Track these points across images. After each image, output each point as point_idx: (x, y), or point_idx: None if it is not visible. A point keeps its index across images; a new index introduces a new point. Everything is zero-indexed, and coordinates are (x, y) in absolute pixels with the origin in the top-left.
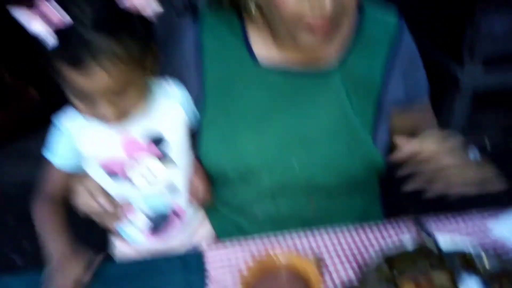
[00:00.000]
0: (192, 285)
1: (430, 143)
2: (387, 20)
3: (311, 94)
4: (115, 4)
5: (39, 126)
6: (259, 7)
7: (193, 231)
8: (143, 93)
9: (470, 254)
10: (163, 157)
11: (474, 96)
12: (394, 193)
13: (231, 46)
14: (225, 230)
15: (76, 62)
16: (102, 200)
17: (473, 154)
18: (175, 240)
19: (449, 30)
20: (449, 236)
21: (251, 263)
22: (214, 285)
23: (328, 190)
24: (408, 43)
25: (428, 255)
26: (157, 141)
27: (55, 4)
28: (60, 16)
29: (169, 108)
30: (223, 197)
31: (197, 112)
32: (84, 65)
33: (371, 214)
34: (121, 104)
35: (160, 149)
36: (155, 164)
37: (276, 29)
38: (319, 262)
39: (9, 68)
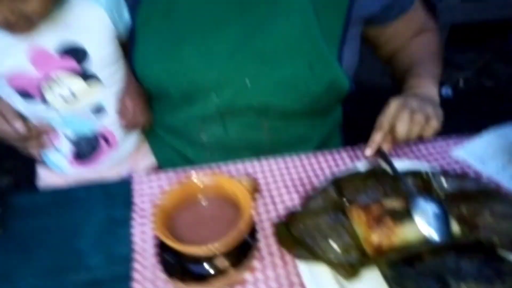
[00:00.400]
0: (115, 219)
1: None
2: None
3: (268, 1)
4: None
5: None
6: None
7: (130, 159)
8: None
9: (427, 174)
10: (84, 73)
11: (451, 30)
12: (356, 123)
13: None
14: (168, 159)
15: None
16: (18, 124)
17: (446, 90)
18: (107, 169)
19: None
20: (409, 161)
21: (168, 188)
22: (141, 220)
23: (284, 114)
24: None
25: (381, 178)
26: (75, 54)
27: None
28: None
29: (91, 14)
30: (164, 120)
31: (128, 17)
32: None
33: (330, 144)
34: (21, 9)
35: (79, 64)
36: (74, 81)
37: None
38: (255, 185)
39: None
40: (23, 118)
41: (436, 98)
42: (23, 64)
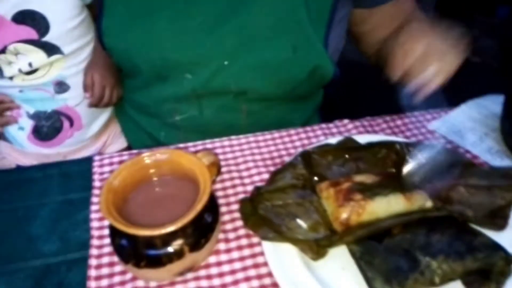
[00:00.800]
0: (72, 202)
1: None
2: None
3: None
4: None
5: None
6: None
7: (98, 141)
8: None
9: (401, 146)
10: (44, 45)
11: (437, 6)
12: (335, 108)
13: None
14: (140, 142)
15: None
16: None
17: None
18: (73, 151)
19: None
20: (385, 136)
21: (118, 168)
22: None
23: (264, 97)
24: None
25: (353, 151)
26: (35, 23)
27: None
28: None
29: None
30: (136, 99)
31: None
32: None
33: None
34: None
35: (38, 33)
36: (34, 53)
37: None
38: (214, 161)
39: None
40: None
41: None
42: None
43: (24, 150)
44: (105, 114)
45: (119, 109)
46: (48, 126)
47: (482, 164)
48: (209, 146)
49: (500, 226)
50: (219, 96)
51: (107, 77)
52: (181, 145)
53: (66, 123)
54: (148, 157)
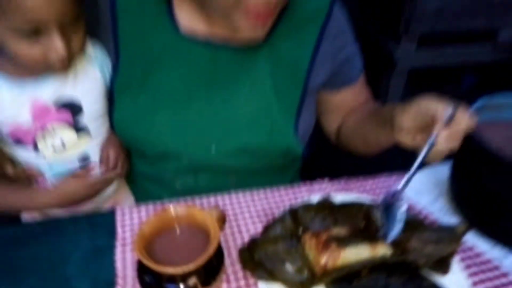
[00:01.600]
0: (99, 248)
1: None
2: None
3: (233, 72)
4: None
5: None
6: None
7: (110, 201)
8: (85, 39)
9: (368, 206)
10: (76, 125)
11: (409, 76)
12: (314, 171)
13: (149, 7)
14: (144, 199)
15: None
16: (9, 169)
17: None
18: (90, 207)
19: (385, 10)
20: (356, 195)
21: (150, 217)
22: (123, 248)
23: (246, 171)
24: (339, 19)
25: (331, 208)
26: (71, 108)
27: None
28: None
29: (87, 71)
30: (141, 169)
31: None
32: None
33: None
34: (74, 40)
35: (73, 117)
36: (67, 133)
37: (207, 3)
38: (222, 216)
39: None
40: (13, 161)
41: None
42: (23, 115)
43: (46, 211)
44: (116, 181)
45: (129, 176)
46: None
47: (434, 221)
48: (211, 200)
49: (444, 271)
50: (210, 170)
51: (119, 152)
52: (189, 198)
53: None
54: (171, 211)
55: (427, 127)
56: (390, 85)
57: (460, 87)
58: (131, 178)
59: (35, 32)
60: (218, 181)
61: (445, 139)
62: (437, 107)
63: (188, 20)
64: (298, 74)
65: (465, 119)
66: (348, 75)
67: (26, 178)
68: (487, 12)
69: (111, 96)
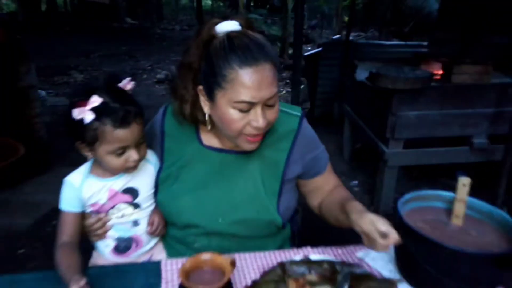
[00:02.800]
0: (151, 284)
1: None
2: (291, 117)
3: (235, 170)
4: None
5: (22, 179)
6: (211, 119)
7: (149, 253)
8: (146, 150)
9: (333, 263)
10: (134, 204)
11: (405, 170)
12: (304, 238)
13: (186, 133)
14: (173, 255)
15: (125, 122)
16: (86, 221)
17: None
18: (134, 259)
19: (378, 120)
20: (329, 257)
21: (188, 259)
22: (167, 284)
23: (244, 237)
24: (305, 133)
25: (308, 263)
26: (132, 193)
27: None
28: (100, 99)
29: (145, 168)
30: (172, 234)
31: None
32: (129, 123)
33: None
34: (141, 152)
35: (132, 198)
36: (126, 208)
37: (222, 133)
38: (233, 261)
39: (0, 126)
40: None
41: None
42: (103, 198)
43: (105, 257)
44: (154, 240)
45: (164, 237)
46: (123, 246)
47: (384, 277)
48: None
49: None
50: (219, 235)
51: (162, 219)
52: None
53: (134, 244)
54: (203, 256)
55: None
56: (384, 178)
57: (454, 181)
58: (166, 239)
59: (121, 149)
60: (224, 244)
61: (379, 246)
62: (377, 225)
63: (208, 138)
64: (277, 171)
65: (394, 236)
66: (317, 169)
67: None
68: (461, 122)
69: (157, 185)
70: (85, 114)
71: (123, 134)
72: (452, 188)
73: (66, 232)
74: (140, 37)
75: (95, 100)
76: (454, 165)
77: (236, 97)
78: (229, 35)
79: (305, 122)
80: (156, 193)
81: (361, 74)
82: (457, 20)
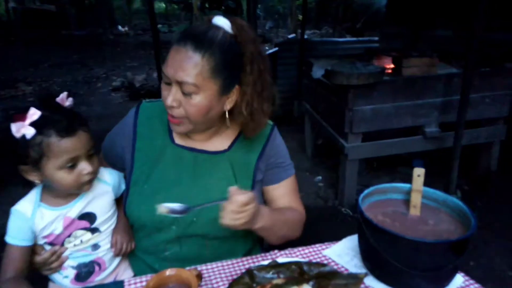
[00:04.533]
0: None
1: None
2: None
3: (208, 169)
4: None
5: None
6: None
7: (113, 274)
8: (98, 164)
9: (301, 263)
10: (91, 229)
11: (367, 162)
12: None
13: (158, 132)
14: (141, 271)
15: (70, 130)
16: (37, 258)
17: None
18: (98, 282)
19: (336, 116)
20: (295, 258)
21: (153, 277)
22: None
23: (218, 236)
24: (275, 141)
25: (277, 267)
26: (89, 218)
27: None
28: (38, 112)
29: (101, 190)
30: (141, 243)
31: (124, 186)
32: (75, 130)
33: (254, 253)
34: (94, 164)
35: (90, 223)
36: (84, 234)
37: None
38: (199, 273)
39: None
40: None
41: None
42: (58, 228)
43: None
44: (117, 259)
45: (131, 254)
46: (85, 272)
47: (350, 273)
48: (192, 267)
49: None
50: (192, 238)
51: (125, 236)
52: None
53: (97, 267)
54: (168, 272)
55: None
56: (346, 172)
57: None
58: (133, 253)
59: (71, 161)
60: (197, 247)
61: (226, 213)
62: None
63: (180, 137)
64: (248, 171)
65: (236, 198)
66: (276, 176)
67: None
68: (413, 113)
69: (128, 187)
70: (25, 129)
71: (71, 143)
72: (411, 176)
73: (13, 267)
74: (92, 44)
75: (34, 113)
76: (411, 154)
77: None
78: None
79: (276, 132)
80: (126, 196)
81: (317, 72)
82: (404, 15)
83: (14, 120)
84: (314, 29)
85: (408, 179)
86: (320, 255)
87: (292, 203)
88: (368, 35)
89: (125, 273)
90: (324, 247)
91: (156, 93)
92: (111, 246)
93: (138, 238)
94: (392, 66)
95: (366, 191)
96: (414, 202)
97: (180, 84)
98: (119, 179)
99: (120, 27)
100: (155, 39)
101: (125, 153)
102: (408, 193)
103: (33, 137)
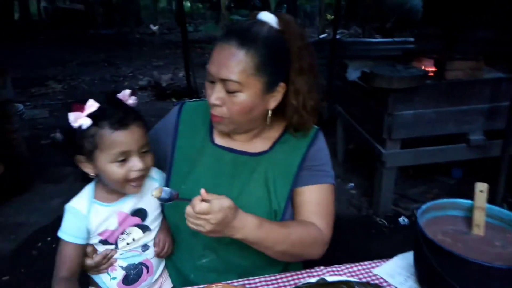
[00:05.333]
0: None
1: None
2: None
3: (247, 171)
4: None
5: (2, 199)
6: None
7: (157, 283)
8: (152, 161)
9: (352, 283)
10: (142, 226)
11: (402, 169)
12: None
13: (199, 131)
14: (178, 282)
15: (123, 124)
16: (88, 261)
17: (403, 219)
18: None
19: (373, 120)
20: (345, 277)
21: None
22: None
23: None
24: (319, 145)
25: (324, 285)
26: (141, 214)
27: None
28: (96, 104)
29: (151, 187)
30: (177, 249)
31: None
32: (127, 124)
33: (293, 267)
34: (146, 161)
35: (141, 220)
36: (137, 231)
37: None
38: None
39: None
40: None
41: (238, 233)
42: (114, 225)
43: None
44: (162, 265)
45: (169, 262)
46: (134, 274)
47: None
48: (235, 284)
49: None
50: (229, 245)
51: (167, 237)
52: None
53: (144, 270)
54: (214, 285)
55: None
56: (382, 180)
57: (451, 178)
58: (170, 261)
59: (123, 156)
60: (233, 257)
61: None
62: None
63: (220, 138)
64: (289, 174)
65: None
66: (309, 179)
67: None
68: (457, 119)
69: (166, 186)
70: (82, 120)
71: (123, 136)
72: (449, 186)
73: (67, 267)
74: (119, 43)
75: (92, 105)
76: (449, 162)
77: None
78: None
79: (321, 136)
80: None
81: (352, 73)
82: (443, 15)
83: (73, 110)
84: (343, 28)
85: (447, 188)
86: (370, 274)
87: (316, 216)
88: (398, 35)
89: (166, 283)
90: (373, 265)
91: (182, 93)
92: (154, 246)
93: (175, 243)
94: (433, 69)
95: (424, 207)
96: (477, 221)
97: (223, 82)
98: (163, 177)
99: (152, 26)
100: (183, 38)
101: (166, 151)
102: (469, 210)
103: (89, 128)
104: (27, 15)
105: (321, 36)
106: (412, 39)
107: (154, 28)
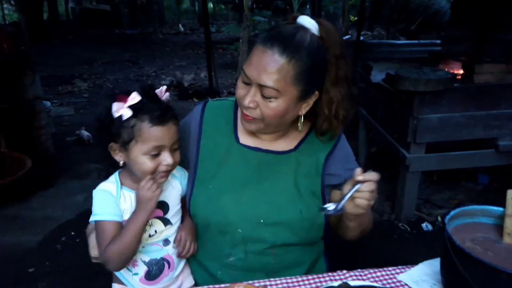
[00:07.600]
0: None
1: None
2: None
3: (274, 170)
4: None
5: (29, 193)
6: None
7: (178, 280)
8: (180, 157)
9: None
10: (164, 219)
11: (427, 174)
12: (335, 253)
13: (223, 131)
14: (202, 278)
15: (162, 120)
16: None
17: (426, 225)
18: (165, 285)
19: (398, 123)
20: (368, 283)
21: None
22: None
23: (285, 243)
24: (343, 147)
25: None
26: (162, 206)
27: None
28: (139, 97)
29: (172, 182)
30: (204, 247)
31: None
32: (166, 121)
33: (317, 267)
34: (175, 157)
35: (163, 212)
36: (159, 224)
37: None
38: None
39: (6, 139)
40: None
41: None
42: None
43: None
44: (183, 261)
45: (194, 260)
46: (156, 269)
47: None
48: (257, 284)
49: None
50: (257, 244)
51: (190, 234)
52: (244, 282)
53: (166, 265)
54: (236, 285)
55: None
56: (405, 184)
57: (477, 184)
58: (195, 258)
59: (156, 150)
60: (262, 255)
61: (361, 194)
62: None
63: (244, 137)
64: (317, 171)
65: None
66: (342, 177)
67: None
68: (485, 124)
69: (192, 186)
70: (123, 110)
71: (160, 132)
72: (475, 192)
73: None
74: (143, 43)
75: (134, 97)
76: (475, 168)
77: None
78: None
79: (344, 138)
80: (191, 195)
81: (377, 75)
82: (471, 17)
83: (117, 100)
84: (366, 30)
85: (473, 195)
86: (394, 280)
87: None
88: (423, 37)
89: (188, 280)
90: (398, 271)
91: (204, 93)
92: (175, 243)
93: (202, 242)
94: (461, 72)
95: (452, 213)
96: (509, 229)
97: (260, 86)
98: (185, 174)
99: (180, 26)
100: (207, 39)
101: (189, 151)
102: (500, 217)
103: (129, 119)
104: (55, 15)
105: (344, 38)
106: (438, 41)
107: (182, 28)
